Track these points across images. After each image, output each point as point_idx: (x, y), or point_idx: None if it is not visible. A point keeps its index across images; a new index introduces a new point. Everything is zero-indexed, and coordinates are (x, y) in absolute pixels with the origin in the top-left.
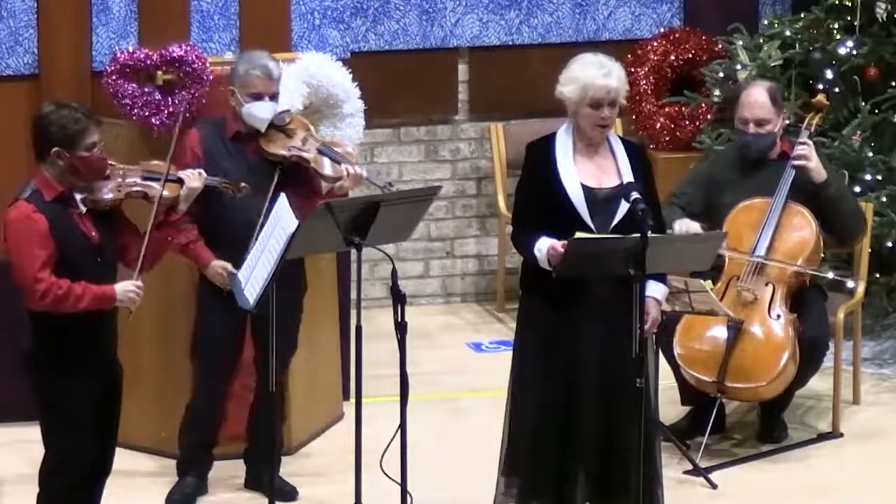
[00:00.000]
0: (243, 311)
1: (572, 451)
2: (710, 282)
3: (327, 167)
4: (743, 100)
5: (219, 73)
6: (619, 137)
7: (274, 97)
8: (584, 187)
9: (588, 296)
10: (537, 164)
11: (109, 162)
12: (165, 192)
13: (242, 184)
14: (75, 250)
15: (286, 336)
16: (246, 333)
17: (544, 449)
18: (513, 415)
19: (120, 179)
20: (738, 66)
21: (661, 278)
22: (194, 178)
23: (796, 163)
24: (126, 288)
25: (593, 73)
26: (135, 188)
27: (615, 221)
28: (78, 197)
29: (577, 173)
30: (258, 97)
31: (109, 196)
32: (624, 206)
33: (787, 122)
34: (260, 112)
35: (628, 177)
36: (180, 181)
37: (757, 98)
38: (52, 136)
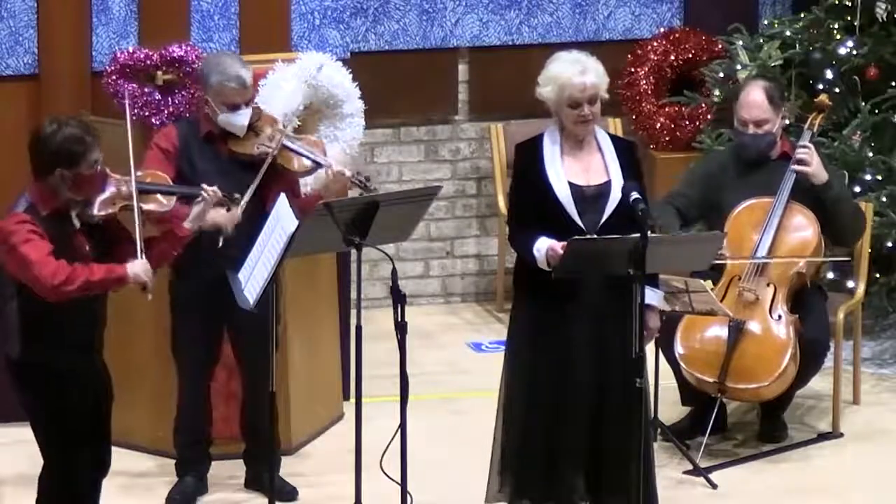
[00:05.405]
0: (217, 310)
1: (562, 451)
2: (710, 281)
3: (295, 161)
4: (741, 100)
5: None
6: (610, 134)
7: (248, 103)
8: (572, 185)
9: (580, 297)
10: (526, 165)
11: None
12: (152, 206)
13: (236, 195)
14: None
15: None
16: (223, 331)
17: (534, 449)
18: (504, 414)
19: (114, 189)
20: (738, 66)
21: (653, 282)
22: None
23: (795, 167)
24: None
25: (569, 73)
26: (129, 201)
27: (604, 218)
28: (73, 213)
29: (564, 172)
30: (234, 107)
31: (102, 213)
32: (612, 203)
33: (788, 121)
34: (238, 120)
35: (615, 173)
36: (173, 194)
37: (755, 98)
38: (56, 158)
